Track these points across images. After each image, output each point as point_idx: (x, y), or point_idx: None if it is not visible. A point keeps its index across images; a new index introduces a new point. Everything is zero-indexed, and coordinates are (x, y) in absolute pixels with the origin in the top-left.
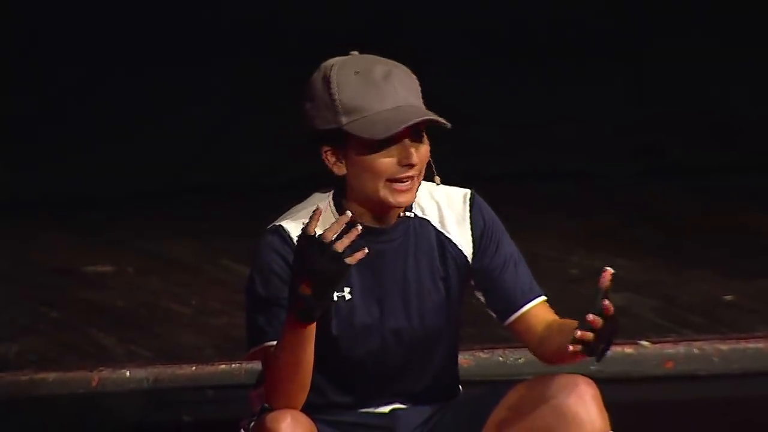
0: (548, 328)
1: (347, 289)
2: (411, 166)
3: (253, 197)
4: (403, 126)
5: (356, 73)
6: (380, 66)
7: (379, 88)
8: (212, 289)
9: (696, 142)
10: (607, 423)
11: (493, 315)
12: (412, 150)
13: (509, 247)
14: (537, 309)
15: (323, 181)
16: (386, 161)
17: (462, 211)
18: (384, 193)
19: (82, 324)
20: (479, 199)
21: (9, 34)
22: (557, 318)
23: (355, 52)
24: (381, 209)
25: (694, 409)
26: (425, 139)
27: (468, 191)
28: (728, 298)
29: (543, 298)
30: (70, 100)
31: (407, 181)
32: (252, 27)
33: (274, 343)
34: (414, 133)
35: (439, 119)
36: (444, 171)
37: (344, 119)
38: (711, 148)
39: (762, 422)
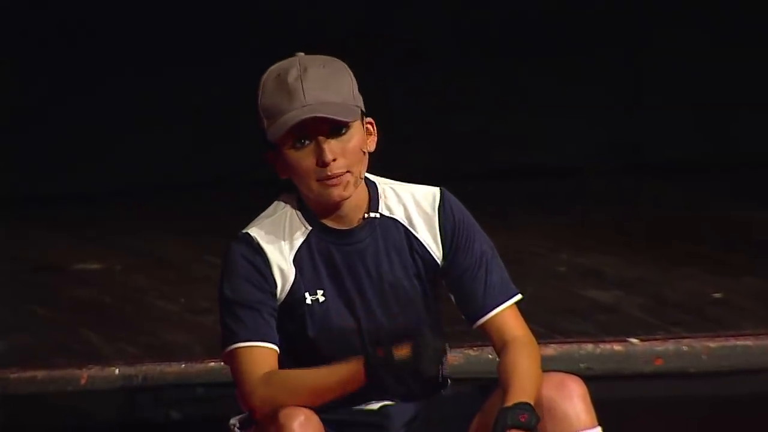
0: (501, 362)
1: (320, 292)
2: (326, 164)
3: (243, 195)
4: (287, 127)
5: (277, 76)
6: (299, 66)
7: (290, 89)
8: (201, 287)
9: (686, 140)
10: (595, 420)
11: (463, 317)
12: (325, 147)
13: (483, 246)
14: (503, 316)
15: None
16: (305, 162)
17: (431, 212)
18: (319, 190)
19: (71, 322)
20: (448, 198)
21: (5, 32)
22: (518, 335)
23: (301, 54)
24: (329, 207)
25: (683, 406)
26: (351, 133)
27: (437, 190)
28: (717, 295)
29: (511, 302)
30: (60, 97)
31: (334, 178)
32: (249, 26)
33: (244, 344)
34: (333, 129)
35: (327, 115)
36: (434, 166)
37: (265, 123)
38: (701, 145)
39: (750, 419)
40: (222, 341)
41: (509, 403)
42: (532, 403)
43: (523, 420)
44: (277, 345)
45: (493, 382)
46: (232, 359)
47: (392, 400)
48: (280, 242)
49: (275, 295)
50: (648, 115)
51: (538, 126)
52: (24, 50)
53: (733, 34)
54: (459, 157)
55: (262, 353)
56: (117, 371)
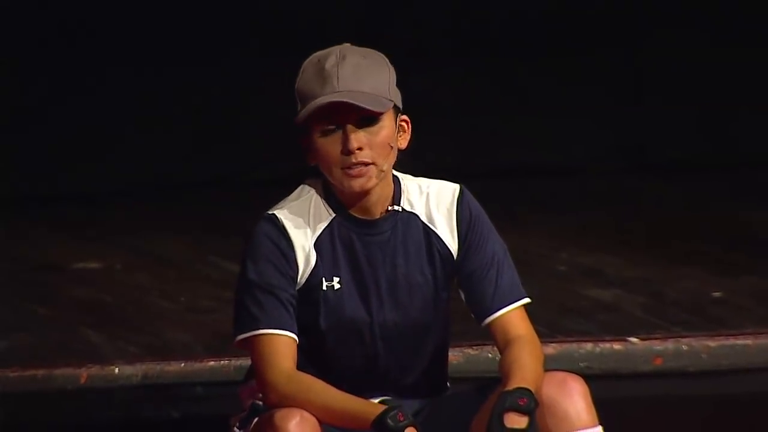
0: (503, 358)
1: (336, 279)
2: (350, 152)
3: (243, 195)
4: (311, 110)
5: (317, 61)
6: (339, 54)
7: (325, 75)
8: (201, 286)
9: (686, 140)
10: (595, 418)
11: (472, 315)
12: (352, 136)
13: (495, 246)
14: (509, 317)
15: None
16: (331, 148)
17: (450, 207)
18: (341, 178)
19: (71, 321)
20: (468, 195)
21: (5, 32)
22: (522, 334)
23: (347, 45)
24: (353, 196)
25: (682, 405)
26: (380, 126)
27: (457, 186)
28: (717, 294)
29: (519, 304)
30: (60, 97)
31: (356, 167)
32: (249, 26)
33: (266, 331)
34: (362, 120)
35: (354, 101)
36: (435, 166)
37: (299, 107)
38: (701, 145)
39: (749, 418)
40: (238, 324)
41: (509, 388)
42: (532, 390)
43: (522, 403)
44: (296, 335)
45: (494, 382)
46: (253, 345)
47: (391, 397)
48: (304, 225)
49: (296, 280)
50: (648, 115)
51: (538, 126)
52: (24, 50)
53: (733, 34)
54: (459, 156)
55: (284, 343)
56: (117, 370)
